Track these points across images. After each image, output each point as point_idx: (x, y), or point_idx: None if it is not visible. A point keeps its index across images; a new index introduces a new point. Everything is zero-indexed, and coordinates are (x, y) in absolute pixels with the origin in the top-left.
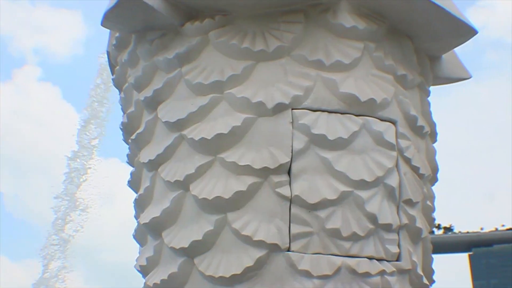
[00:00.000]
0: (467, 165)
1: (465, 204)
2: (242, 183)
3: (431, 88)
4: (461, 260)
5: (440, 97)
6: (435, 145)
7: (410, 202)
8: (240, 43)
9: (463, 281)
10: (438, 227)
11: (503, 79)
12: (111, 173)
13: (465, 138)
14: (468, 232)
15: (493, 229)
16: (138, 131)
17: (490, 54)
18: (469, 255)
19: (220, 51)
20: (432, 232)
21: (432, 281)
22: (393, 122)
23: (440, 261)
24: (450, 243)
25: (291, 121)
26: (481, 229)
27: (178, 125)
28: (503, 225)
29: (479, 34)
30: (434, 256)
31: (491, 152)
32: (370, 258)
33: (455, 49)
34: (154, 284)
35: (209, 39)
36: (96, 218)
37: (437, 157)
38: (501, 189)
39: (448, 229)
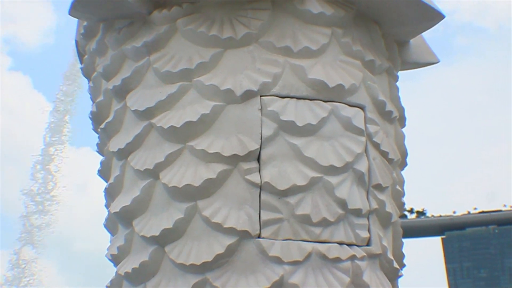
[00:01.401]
0: (439, 148)
1: (437, 188)
2: (211, 171)
3: (401, 73)
4: (434, 244)
5: (411, 81)
6: (404, 130)
7: (379, 187)
8: (208, 30)
9: (437, 265)
10: (411, 211)
11: (473, 63)
12: (83, 162)
13: (437, 121)
14: (440, 216)
15: (466, 212)
16: (107, 120)
17: (460, 38)
18: (442, 239)
19: (188, 39)
20: (405, 216)
21: (402, 265)
22: (362, 108)
23: (414, 245)
24: (423, 227)
25: (260, 108)
26: (454, 212)
27: (147, 114)
28: (475, 208)
29: (448, 18)
30: (407, 240)
31: (463, 135)
32: (340, 244)
33: (423, 34)
34: (126, 273)
35: (177, 27)
36: (69, 207)
37: (406, 142)
38: (473, 172)
39: (421, 213)
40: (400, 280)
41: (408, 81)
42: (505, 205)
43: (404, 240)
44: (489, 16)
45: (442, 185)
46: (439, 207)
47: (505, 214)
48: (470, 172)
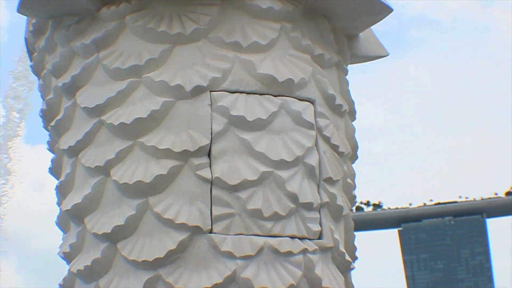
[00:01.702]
0: (394, 141)
1: (393, 181)
2: (162, 167)
3: (355, 66)
4: (391, 236)
5: (365, 74)
6: (359, 122)
7: (330, 180)
8: (156, 26)
9: (394, 257)
10: (368, 204)
11: (427, 55)
12: (39, 160)
13: (392, 113)
14: (397, 208)
15: (422, 204)
16: (57, 118)
17: (414, 30)
18: (399, 231)
19: (137, 35)
20: (361, 209)
21: (355, 258)
22: (312, 102)
23: (371, 237)
24: (380, 220)
25: (210, 103)
26: (410, 204)
27: (97, 111)
28: (431, 200)
29: (402, 11)
30: (364, 233)
31: (418, 127)
32: (292, 237)
33: (373, 27)
34: (78, 270)
35: (125, 23)
36: (25, 205)
37: (357, 135)
38: (429, 164)
39: (377, 206)
40: (358, 272)
41: (362, 74)
42: (460, 196)
43: (361, 233)
44: (443, 8)
45: (398, 178)
46: (396, 199)
47: (461, 205)
48: (425, 164)
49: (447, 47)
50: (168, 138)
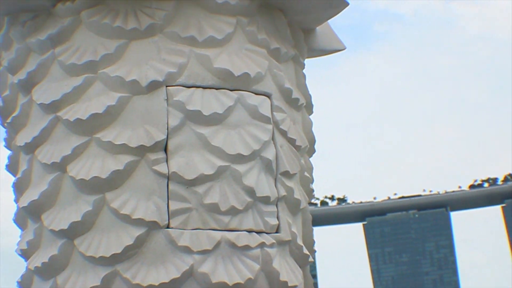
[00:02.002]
0: (359, 135)
1: (358, 175)
2: (119, 162)
3: (318, 60)
4: (356, 230)
5: (329, 68)
6: (321, 116)
7: (287, 174)
8: (112, 22)
9: (359, 251)
10: (332, 198)
11: (390, 48)
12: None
13: (357, 107)
14: (361, 202)
15: (386, 198)
16: (13, 115)
17: (377, 25)
18: (363, 225)
19: (93, 30)
20: (326, 204)
21: (313, 251)
22: (268, 96)
23: (336, 232)
24: (344, 214)
25: (166, 98)
26: (374, 198)
27: (53, 107)
28: (395, 194)
29: (365, 5)
30: (329, 227)
31: (382, 121)
32: (250, 231)
33: (336, 22)
34: (36, 267)
35: (81, 19)
36: None
37: (313, 129)
38: (393, 158)
39: (342, 200)
40: (324, 267)
41: (325, 68)
42: (424, 190)
43: (326, 227)
44: (405, 2)
45: (362, 172)
46: (360, 193)
47: (425, 198)
48: (389, 158)
49: (410, 41)
50: (124, 133)
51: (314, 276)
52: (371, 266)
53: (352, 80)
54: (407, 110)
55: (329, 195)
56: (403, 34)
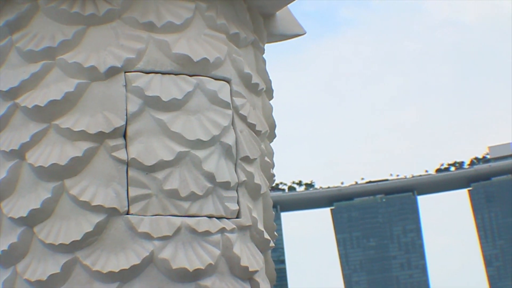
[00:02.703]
0: (326, 120)
1: (325, 160)
2: (77, 149)
3: (285, 44)
4: (323, 215)
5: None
6: (285, 101)
7: (247, 159)
8: (70, 8)
9: (327, 236)
10: (300, 184)
11: (357, 34)
12: None
13: (323, 92)
14: (329, 187)
15: (353, 183)
16: None
17: (344, 10)
18: (331, 210)
19: (51, 17)
20: (294, 189)
21: (274, 236)
22: (227, 81)
23: (303, 217)
24: (312, 199)
25: (125, 84)
26: (342, 183)
27: (11, 94)
28: (362, 179)
29: None
30: (297, 212)
31: (348, 106)
32: (210, 217)
33: (302, 7)
34: None
35: (39, 5)
36: None
37: (280, 114)
38: (360, 143)
39: (309, 185)
40: (292, 252)
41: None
42: (391, 174)
43: (293, 212)
44: None
45: (329, 157)
46: (327, 178)
47: (392, 183)
48: (356, 142)
49: (376, 26)
50: (83, 120)
51: (283, 261)
52: (339, 250)
53: (319, 65)
54: (373, 95)
55: (296, 181)
56: (370, 19)
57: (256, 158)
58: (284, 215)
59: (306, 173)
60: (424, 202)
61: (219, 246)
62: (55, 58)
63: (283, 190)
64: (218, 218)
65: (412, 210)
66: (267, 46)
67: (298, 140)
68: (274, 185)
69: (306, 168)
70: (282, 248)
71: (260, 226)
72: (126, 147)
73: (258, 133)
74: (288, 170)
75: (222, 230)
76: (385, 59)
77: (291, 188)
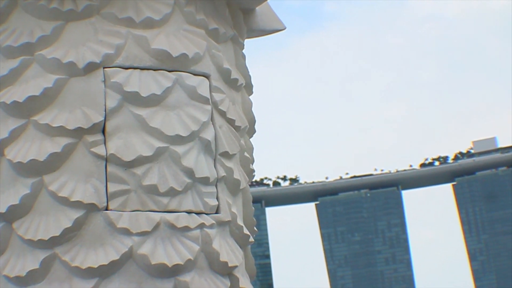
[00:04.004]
0: (311, 115)
1: (310, 155)
2: (56, 145)
3: (268, 39)
4: (308, 210)
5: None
6: (268, 96)
7: (226, 155)
8: (48, 3)
9: (312, 231)
10: (284, 179)
11: (342, 28)
12: None
13: (308, 87)
14: (313, 182)
15: (338, 177)
16: None
17: (329, 4)
18: (316, 205)
19: (29, 12)
20: (278, 184)
21: (254, 232)
22: (207, 76)
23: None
24: (297, 194)
25: (103, 80)
26: (326, 178)
27: None
28: (347, 173)
29: None
30: (281, 207)
31: (334, 101)
32: (189, 212)
33: (285, 1)
34: None
35: (17, 1)
36: None
37: (262, 109)
38: (345, 138)
39: (294, 180)
40: (276, 248)
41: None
42: (376, 169)
43: (278, 207)
44: None
45: (314, 152)
46: (312, 173)
47: (376, 177)
48: (341, 137)
49: (360, 21)
50: (62, 115)
51: (267, 256)
52: (323, 245)
53: (303, 60)
54: (358, 89)
55: (281, 176)
56: (354, 14)
57: (235, 154)
58: (269, 210)
59: (291, 168)
60: (409, 196)
61: (198, 241)
62: (33, 54)
63: (268, 185)
64: (197, 213)
65: (397, 204)
66: (250, 41)
67: (283, 135)
68: (259, 180)
69: (290, 163)
70: (267, 243)
71: (240, 222)
72: (105, 143)
73: (237, 128)
74: (273, 165)
75: (201, 226)
76: (369, 54)
77: (275, 183)
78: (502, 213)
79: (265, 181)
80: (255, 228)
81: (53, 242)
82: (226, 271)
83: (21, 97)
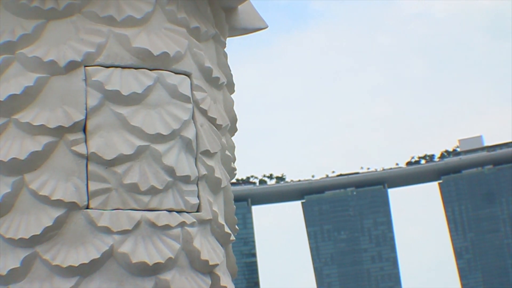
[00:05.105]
0: (297, 114)
1: (296, 153)
2: (37, 143)
3: (252, 38)
4: (294, 208)
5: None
6: (253, 94)
7: (208, 153)
8: (29, 2)
9: (298, 229)
10: (270, 177)
11: (328, 27)
12: None
13: (294, 85)
14: (300, 181)
15: (324, 176)
16: None
17: (314, 2)
18: (302, 203)
19: (10, 11)
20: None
21: (235, 230)
22: (188, 75)
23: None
24: (283, 192)
25: (84, 78)
26: (313, 176)
27: None
28: (333, 172)
29: None
30: (268, 206)
31: (320, 100)
32: (170, 211)
33: (271, 0)
34: None
35: None
36: None
37: (244, 108)
38: (331, 136)
39: (280, 179)
40: (262, 246)
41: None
42: (362, 167)
43: (264, 206)
44: None
45: (300, 150)
46: (298, 172)
47: (363, 176)
48: (327, 136)
49: (347, 19)
50: (43, 114)
51: (254, 255)
52: (310, 243)
53: (290, 59)
54: (344, 88)
55: (267, 174)
56: (340, 13)
57: (216, 152)
58: (255, 209)
59: (277, 166)
60: (395, 195)
61: (179, 240)
62: (14, 52)
63: (254, 183)
64: (178, 212)
65: (383, 203)
66: (236, 40)
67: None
68: (245, 178)
69: (277, 161)
70: (253, 242)
71: (221, 220)
72: (86, 142)
73: (218, 127)
74: (259, 163)
75: (182, 224)
76: (356, 52)
77: (262, 181)
78: (488, 211)
79: (251, 179)
80: (236, 227)
81: (34, 241)
82: (207, 269)
83: (2, 96)
